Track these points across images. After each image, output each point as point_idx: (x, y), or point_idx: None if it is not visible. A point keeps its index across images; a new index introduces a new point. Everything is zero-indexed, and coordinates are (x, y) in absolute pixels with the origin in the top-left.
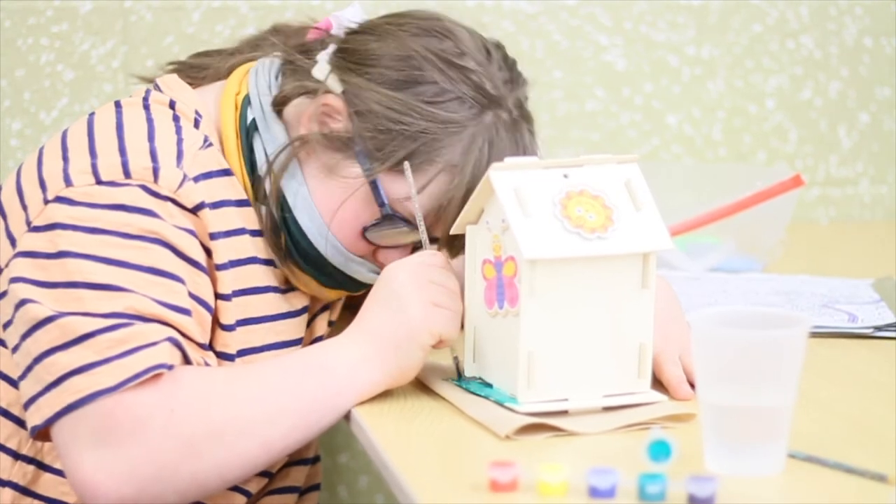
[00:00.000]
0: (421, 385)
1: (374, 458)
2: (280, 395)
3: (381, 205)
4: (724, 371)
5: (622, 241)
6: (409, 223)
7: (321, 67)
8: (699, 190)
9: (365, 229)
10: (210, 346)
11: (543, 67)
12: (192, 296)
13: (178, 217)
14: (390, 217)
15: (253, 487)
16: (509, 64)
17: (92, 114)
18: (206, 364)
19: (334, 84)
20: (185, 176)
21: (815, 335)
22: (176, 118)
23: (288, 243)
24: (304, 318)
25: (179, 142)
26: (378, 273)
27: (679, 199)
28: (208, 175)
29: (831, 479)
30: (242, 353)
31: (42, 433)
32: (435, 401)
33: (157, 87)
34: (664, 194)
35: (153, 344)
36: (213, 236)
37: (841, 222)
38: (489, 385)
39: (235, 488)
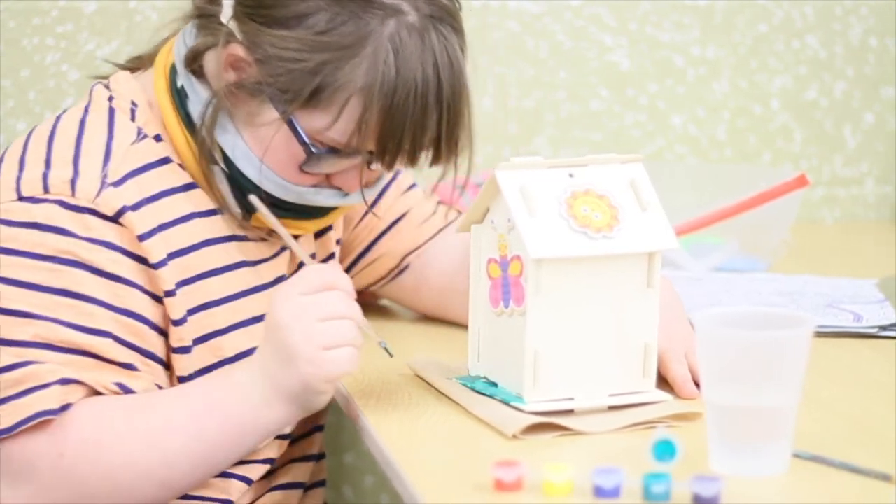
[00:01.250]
0: (426, 384)
1: (378, 457)
2: (179, 437)
3: (303, 143)
4: (727, 371)
5: (627, 240)
6: (338, 152)
7: (226, 12)
8: (704, 190)
9: (301, 166)
10: (169, 345)
11: (548, 67)
12: (117, 310)
13: (98, 229)
14: (316, 154)
15: (253, 475)
16: None
17: (37, 125)
18: (123, 388)
19: (235, 32)
20: (103, 183)
21: (819, 335)
22: (111, 112)
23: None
24: None
25: (109, 140)
26: (341, 195)
27: (683, 200)
28: (144, 168)
29: (835, 479)
30: (201, 340)
31: None
32: (439, 400)
33: (107, 86)
34: (668, 194)
35: (44, 386)
36: (142, 237)
37: (846, 222)
38: (494, 384)
39: (233, 475)
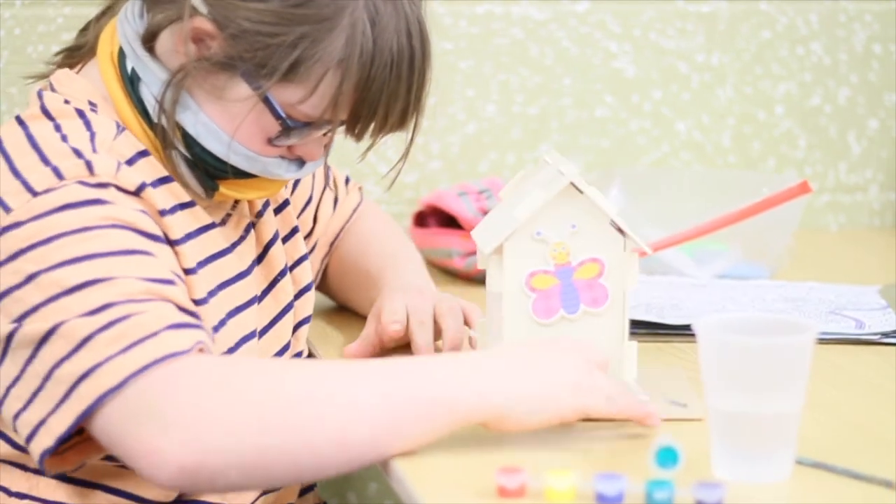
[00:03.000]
0: None
1: (381, 464)
2: (361, 388)
3: (279, 118)
4: (731, 377)
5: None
6: (311, 125)
7: None
8: (708, 197)
9: (271, 139)
10: None
11: (553, 74)
12: (165, 268)
13: (125, 200)
14: (291, 127)
15: None
16: None
17: None
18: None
19: (200, 5)
20: (118, 162)
21: (821, 341)
22: (80, 113)
23: (210, 172)
24: (256, 275)
25: (92, 137)
26: (299, 166)
27: (688, 206)
28: (130, 161)
29: (838, 485)
30: (216, 328)
31: (54, 461)
32: None
33: (52, 86)
34: (673, 201)
35: (153, 335)
36: (162, 213)
37: (850, 229)
38: None
39: None
